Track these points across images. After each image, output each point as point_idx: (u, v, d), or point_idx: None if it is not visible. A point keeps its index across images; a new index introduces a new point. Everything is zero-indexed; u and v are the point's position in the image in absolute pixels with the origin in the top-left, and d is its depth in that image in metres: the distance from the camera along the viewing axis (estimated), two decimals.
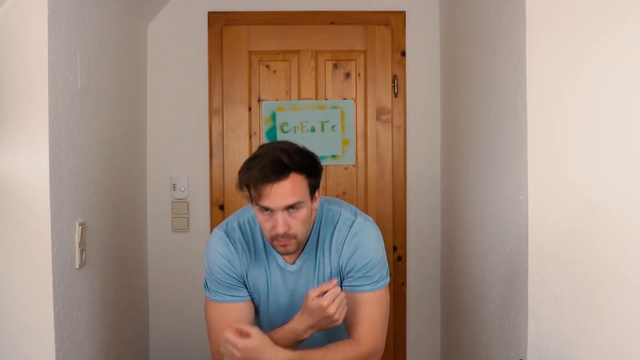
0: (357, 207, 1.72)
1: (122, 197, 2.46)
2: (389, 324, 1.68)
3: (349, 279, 1.60)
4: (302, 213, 1.51)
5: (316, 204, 1.59)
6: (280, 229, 1.48)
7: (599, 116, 1.53)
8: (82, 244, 1.95)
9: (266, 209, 1.49)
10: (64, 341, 1.82)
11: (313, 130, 2.89)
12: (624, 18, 1.51)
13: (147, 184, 2.89)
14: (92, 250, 2.07)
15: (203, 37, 2.89)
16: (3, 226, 1.74)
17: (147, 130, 2.89)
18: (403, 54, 2.90)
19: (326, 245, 1.63)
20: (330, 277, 1.61)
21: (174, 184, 2.91)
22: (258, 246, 1.64)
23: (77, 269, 1.93)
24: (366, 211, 2.88)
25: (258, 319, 1.71)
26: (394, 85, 2.89)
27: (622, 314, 1.52)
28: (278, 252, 1.58)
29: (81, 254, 1.94)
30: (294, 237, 1.51)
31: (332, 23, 2.90)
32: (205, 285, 1.67)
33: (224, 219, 2.88)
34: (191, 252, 2.92)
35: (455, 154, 2.56)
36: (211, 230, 2.89)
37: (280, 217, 1.48)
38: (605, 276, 1.53)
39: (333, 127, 2.89)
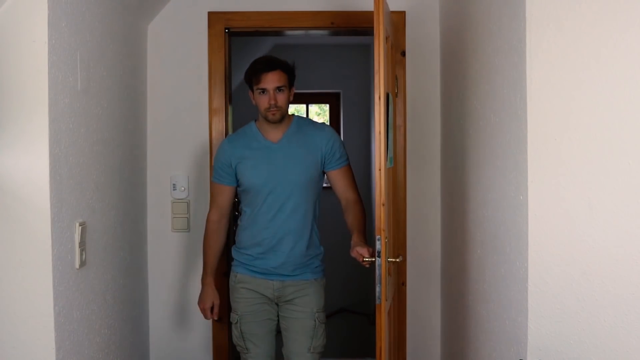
0: None
1: (122, 197, 2.46)
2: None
3: (332, 161, 2.45)
4: (285, 94, 2.38)
5: (291, 97, 2.42)
6: (272, 101, 2.34)
7: (599, 116, 1.53)
8: (82, 244, 1.95)
9: (262, 90, 2.34)
10: (64, 341, 1.82)
11: None
12: (624, 18, 1.51)
13: (147, 184, 2.90)
14: (92, 250, 2.07)
15: (203, 37, 2.90)
16: (3, 226, 1.74)
17: (147, 130, 2.89)
18: (403, 54, 2.90)
19: (311, 133, 2.45)
20: (318, 154, 2.44)
21: (174, 184, 2.91)
22: (253, 137, 2.45)
23: (77, 269, 1.93)
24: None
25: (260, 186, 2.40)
26: (394, 85, 2.89)
27: (622, 314, 1.52)
28: (269, 120, 2.38)
29: (81, 254, 1.94)
30: (279, 108, 2.35)
31: (332, 23, 2.90)
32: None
33: None
34: (191, 252, 2.92)
35: (455, 154, 2.56)
36: None
37: (272, 94, 2.34)
38: (605, 276, 1.53)
39: None
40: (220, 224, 2.51)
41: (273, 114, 2.35)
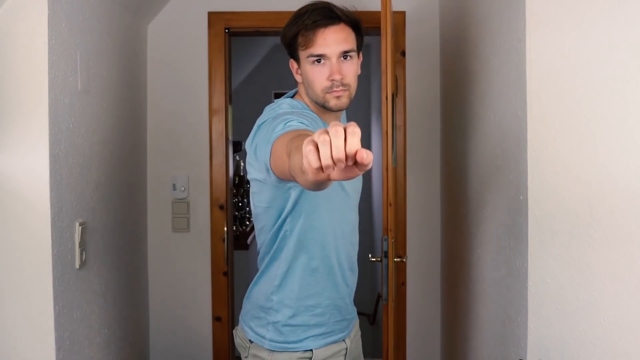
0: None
1: (122, 197, 2.46)
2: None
3: None
4: (354, 65, 1.50)
5: (359, 68, 1.54)
6: (337, 75, 1.44)
7: (599, 116, 1.54)
8: (82, 244, 1.95)
9: (318, 58, 1.46)
10: (64, 341, 1.82)
11: None
12: (623, 18, 1.51)
13: (147, 184, 2.89)
14: (92, 250, 2.07)
15: (203, 37, 2.89)
16: (3, 226, 1.74)
17: (147, 130, 2.89)
18: (403, 54, 2.90)
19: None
20: None
21: (174, 184, 2.91)
22: (313, 120, 1.50)
23: (77, 269, 1.93)
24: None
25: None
26: (394, 85, 2.89)
27: (622, 314, 1.52)
28: (329, 108, 1.51)
29: (81, 254, 1.94)
30: (348, 88, 1.49)
31: None
32: (268, 138, 1.34)
33: (224, 219, 2.89)
34: (191, 252, 2.92)
35: (455, 154, 2.56)
36: (211, 230, 2.90)
37: (336, 64, 1.45)
38: (605, 276, 1.54)
39: None
40: None
41: (338, 97, 1.48)
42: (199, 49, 2.90)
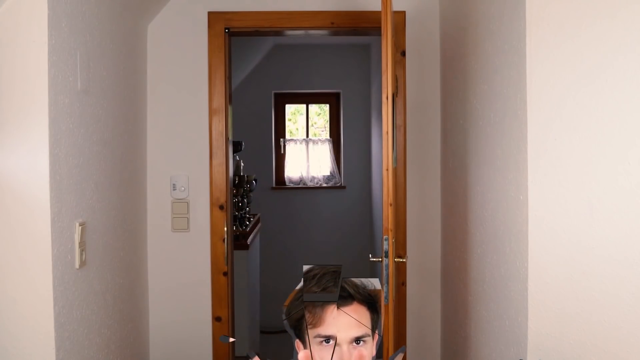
0: None
1: (122, 197, 2.46)
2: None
3: None
4: (368, 350, 1.29)
5: (374, 349, 1.33)
6: None
7: (599, 116, 1.53)
8: (82, 244, 1.95)
9: (328, 340, 1.28)
10: (64, 341, 1.82)
11: None
12: (623, 18, 1.51)
13: (147, 184, 2.89)
14: (92, 250, 2.07)
15: (203, 37, 2.89)
16: (3, 226, 1.74)
17: (147, 130, 2.89)
18: (403, 54, 2.90)
19: None
20: None
21: (174, 184, 2.91)
22: None
23: (77, 269, 1.93)
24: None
25: None
26: (395, 85, 2.89)
27: (622, 314, 1.52)
28: None
29: (81, 254, 1.94)
30: None
31: (332, 23, 2.90)
32: None
33: (224, 219, 2.89)
34: (191, 252, 2.92)
35: (455, 154, 2.56)
36: (211, 230, 2.89)
37: (347, 351, 1.26)
38: (605, 276, 1.54)
39: None
40: None
41: None
42: (199, 49, 2.90)
